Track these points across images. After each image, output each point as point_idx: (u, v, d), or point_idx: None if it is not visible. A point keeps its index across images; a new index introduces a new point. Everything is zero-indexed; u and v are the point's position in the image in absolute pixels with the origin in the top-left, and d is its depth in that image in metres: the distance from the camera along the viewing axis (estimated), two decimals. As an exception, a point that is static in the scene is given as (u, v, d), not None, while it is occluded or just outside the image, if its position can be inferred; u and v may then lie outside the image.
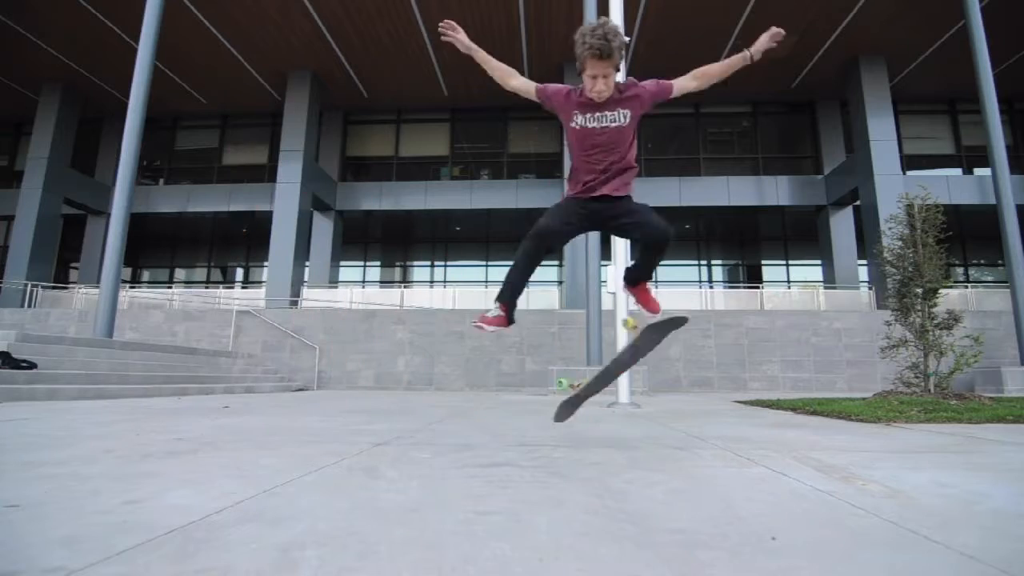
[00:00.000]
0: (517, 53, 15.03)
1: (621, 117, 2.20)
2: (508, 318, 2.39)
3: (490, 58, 2.53)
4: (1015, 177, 13.22)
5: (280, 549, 0.97)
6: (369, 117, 18.86)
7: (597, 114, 2.20)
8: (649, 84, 2.27)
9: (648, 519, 1.21)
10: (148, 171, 19.16)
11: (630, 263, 2.85)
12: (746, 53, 2.23)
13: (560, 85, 2.33)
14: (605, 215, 2.29)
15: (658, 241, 2.33)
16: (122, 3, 12.95)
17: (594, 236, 9.33)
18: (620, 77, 2.25)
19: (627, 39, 7.21)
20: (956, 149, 17.35)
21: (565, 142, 2.52)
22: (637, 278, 2.65)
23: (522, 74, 2.58)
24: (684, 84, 2.28)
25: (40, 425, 3.13)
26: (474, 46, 2.56)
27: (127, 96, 10.32)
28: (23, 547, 0.98)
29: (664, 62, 15.19)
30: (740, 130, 18.37)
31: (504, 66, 2.49)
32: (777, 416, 4.42)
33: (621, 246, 6.29)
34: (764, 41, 2.22)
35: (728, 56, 2.27)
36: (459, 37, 2.56)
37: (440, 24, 2.54)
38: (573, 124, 2.24)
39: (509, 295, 2.38)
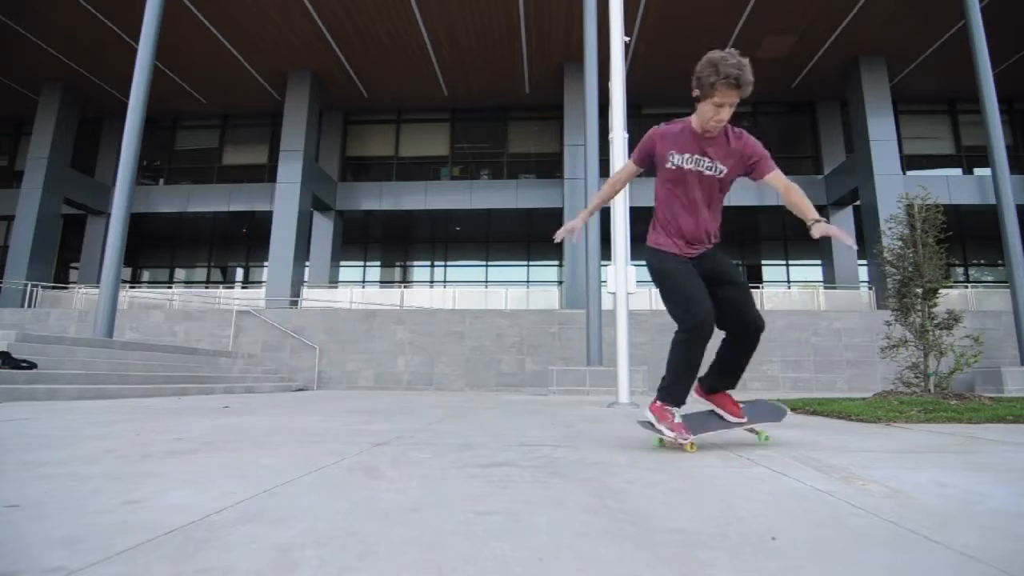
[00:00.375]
0: (517, 53, 15.03)
1: (717, 169, 2.18)
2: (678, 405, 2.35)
3: (609, 191, 2.57)
4: (1015, 177, 13.23)
5: (280, 549, 0.97)
6: (369, 117, 18.86)
7: (696, 156, 2.16)
8: (756, 148, 2.22)
9: (648, 519, 1.21)
10: (148, 171, 19.16)
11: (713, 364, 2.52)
12: (811, 219, 2.19)
13: (649, 137, 2.33)
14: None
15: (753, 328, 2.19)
16: (122, 3, 12.96)
17: (594, 235, 9.34)
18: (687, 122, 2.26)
19: (627, 39, 7.16)
20: (956, 149, 17.35)
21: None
22: (719, 386, 2.42)
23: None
24: (776, 178, 2.24)
25: (40, 425, 3.13)
26: (594, 203, 2.64)
27: (127, 96, 10.33)
28: (23, 547, 0.98)
29: (664, 62, 15.22)
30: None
31: (617, 180, 2.55)
32: (777, 416, 4.41)
33: (621, 246, 6.29)
34: (828, 230, 2.15)
35: (803, 202, 2.26)
36: (580, 221, 2.59)
37: (557, 237, 2.60)
38: (669, 165, 2.20)
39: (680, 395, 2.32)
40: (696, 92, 2.10)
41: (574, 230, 2.53)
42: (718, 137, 2.17)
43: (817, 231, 2.12)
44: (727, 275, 2.27)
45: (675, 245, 2.24)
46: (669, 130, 2.26)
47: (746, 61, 2.08)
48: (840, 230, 2.12)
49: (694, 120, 2.20)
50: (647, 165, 2.35)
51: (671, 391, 2.29)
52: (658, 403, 2.31)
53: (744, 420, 2.40)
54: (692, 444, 2.24)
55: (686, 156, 2.17)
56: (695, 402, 2.52)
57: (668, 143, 2.23)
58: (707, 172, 2.18)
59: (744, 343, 2.30)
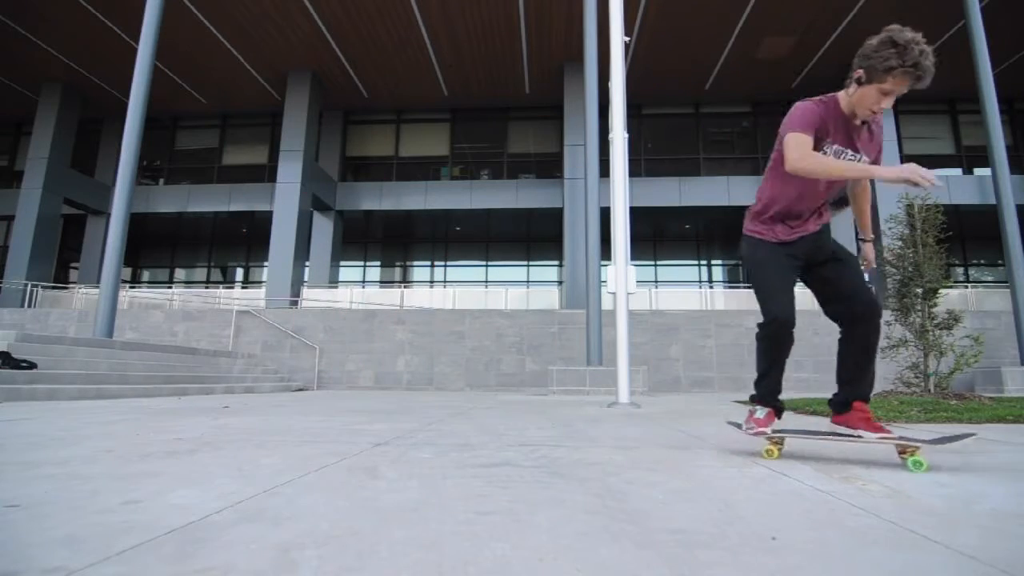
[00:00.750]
0: (517, 53, 15.03)
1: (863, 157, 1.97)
2: (776, 412, 2.15)
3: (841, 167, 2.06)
4: (1015, 177, 13.22)
5: (280, 549, 0.97)
6: (369, 117, 18.86)
7: (844, 149, 1.95)
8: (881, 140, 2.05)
9: (648, 519, 1.21)
10: (148, 171, 19.16)
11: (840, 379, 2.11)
12: (868, 238, 2.26)
13: (810, 109, 1.97)
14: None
15: (867, 312, 1.93)
16: (122, 3, 12.95)
17: (594, 235, 9.34)
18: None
19: (627, 39, 7.15)
20: (956, 149, 17.35)
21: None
22: (848, 396, 2.00)
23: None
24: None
25: (40, 425, 3.13)
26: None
27: (127, 96, 10.33)
28: (23, 547, 0.98)
29: (664, 62, 15.23)
30: (740, 130, 18.37)
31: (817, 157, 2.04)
32: (777, 416, 4.41)
33: (621, 246, 6.29)
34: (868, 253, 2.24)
35: (867, 214, 2.26)
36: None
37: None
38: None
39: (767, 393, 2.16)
40: (860, 72, 1.86)
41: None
42: (863, 125, 1.95)
43: (867, 251, 2.19)
44: (830, 252, 2.08)
45: (772, 232, 2.08)
46: (827, 111, 1.96)
47: (930, 49, 1.83)
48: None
49: (843, 101, 1.95)
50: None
51: (757, 388, 2.21)
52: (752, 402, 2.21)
53: (888, 433, 1.93)
54: (771, 448, 2.03)
55: (836, 148, 1.95)
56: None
57: (824, 127, 1.95)
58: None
59: (858, 330, 1.96)
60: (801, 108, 1.98)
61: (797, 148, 1.91)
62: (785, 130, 1.97)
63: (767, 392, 2.16)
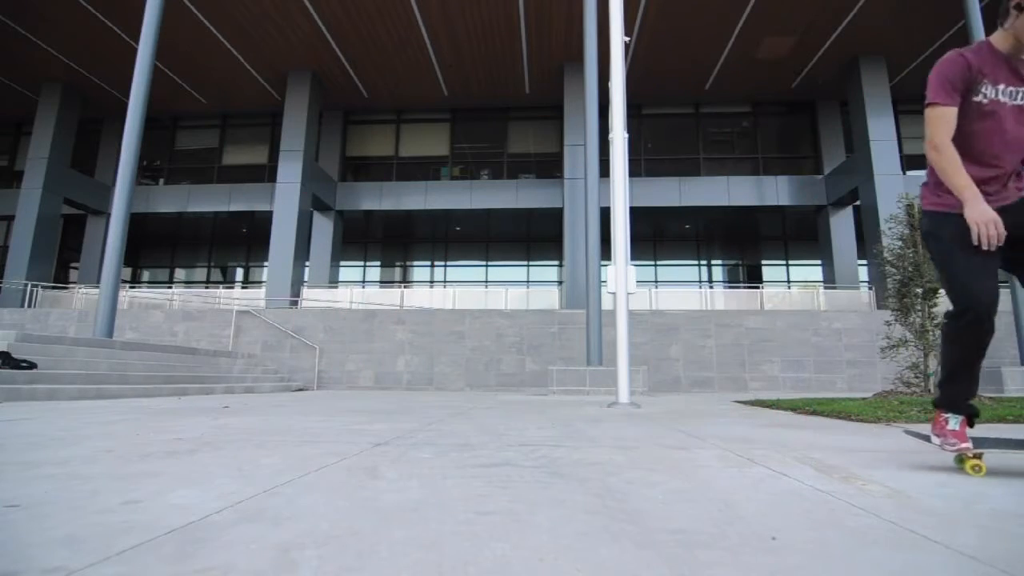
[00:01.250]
0: (517, 53, 15.03)
1: None
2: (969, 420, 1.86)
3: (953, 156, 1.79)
4: (1015, 177, 13.19)
5: (280, 549, 0.97)
6: (369, 117, 18.86)
7: (1013, 88, 1.74)
8: None
9: (648, 519, 1.21)
10: (148, 171, 19.16)
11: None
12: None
13: (952, 61, 1.77)
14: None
15: None
16: (122, 3, 12.95)
17: (594, 235, 9.33)
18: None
19: (627, 39, 7.15)
20: (956, 149, 17.32)
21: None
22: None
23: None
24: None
25: (40, 425, 3.13)
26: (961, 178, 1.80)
27: (127, 96, 10.33)
28: (23, 547, 0.98)
29: (664, 62, 15.23)
30: (740, 130, 18.38)
31: (948, 139, 1.79)
32: (777, 416, 4.42)
33: (621, 245, 6.29)
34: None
35: None
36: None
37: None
38: (980, 99, 1.75)
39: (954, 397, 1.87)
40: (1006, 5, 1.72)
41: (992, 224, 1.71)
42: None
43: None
44: None
45: (958, 204, 1.73)
46: (978, 56, 1.77)
47: None
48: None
49: (1000, 41, 1.79)
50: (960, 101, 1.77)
51: (943, 391, 1.90)
52: (937, 411, 1.92)
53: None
54: (974, 463, 1.79)
55: (1001, 87, 1.74)
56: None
57: (978, 68, 1.75)
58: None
59: None
60: (942, 64, 1.76)
61: (936, 130, 1.73)
62: (928, 95, 1.76)
63: (958, 396, 1.86)
